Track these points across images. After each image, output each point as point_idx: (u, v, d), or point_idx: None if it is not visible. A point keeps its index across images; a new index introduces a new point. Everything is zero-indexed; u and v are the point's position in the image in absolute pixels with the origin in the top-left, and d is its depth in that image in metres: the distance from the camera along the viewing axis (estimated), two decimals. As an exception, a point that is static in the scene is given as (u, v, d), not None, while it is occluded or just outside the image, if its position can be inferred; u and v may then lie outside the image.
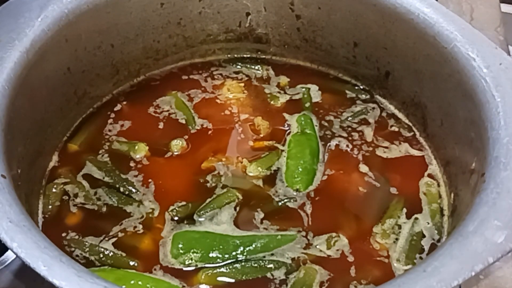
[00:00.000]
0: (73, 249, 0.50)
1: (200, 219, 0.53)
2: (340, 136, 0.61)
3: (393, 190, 0.56)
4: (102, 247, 0.50)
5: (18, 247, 0.37)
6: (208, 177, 0.56)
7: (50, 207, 0.54)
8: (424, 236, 0.52)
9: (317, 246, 0.51)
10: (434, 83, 0.57)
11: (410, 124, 0.62)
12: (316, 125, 0.62)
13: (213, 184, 0.56)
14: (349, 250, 0.51)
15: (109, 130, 0.61)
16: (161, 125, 0.62)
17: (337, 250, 0.51)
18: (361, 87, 0.67)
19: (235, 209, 0.54)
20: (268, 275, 0.49)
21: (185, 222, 0.53)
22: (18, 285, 0.51)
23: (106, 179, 0.56)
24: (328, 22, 0.64)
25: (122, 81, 0.66)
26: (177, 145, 0.59)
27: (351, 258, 0.51)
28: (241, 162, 0.58)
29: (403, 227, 0.53)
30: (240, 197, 0.54)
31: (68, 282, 0.36)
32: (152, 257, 0.50)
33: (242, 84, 0.67)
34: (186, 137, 0.60)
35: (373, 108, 0.64)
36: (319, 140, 0.60)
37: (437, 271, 0.37)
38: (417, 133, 0.62)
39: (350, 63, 0.66)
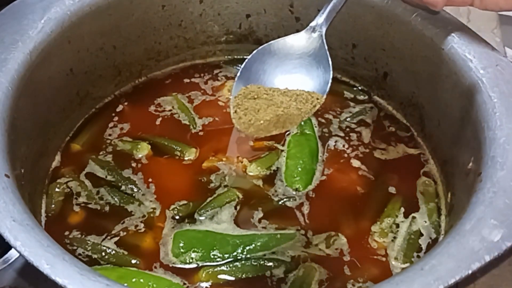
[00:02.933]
0: (75, 247, 0.51)
1: (200, 218, 0.53)
2: (338, 136, 0.62)
3: (391, 190, 0.57)
4: (104, 246, 0.51)
5: (22, 246, 0.38)
6: (212, 177, 0.57)
7: (53, 206, 0.54)
8: (421, 234, 0.53)
9: (317, 245, 0.52)
10: (431, 84, 0.57)
11: (408, 124, 0.63)
12: (315, 126, 0.62)
13: (217, 184, 0.56)
14: (348, 249, 0.52)
15: (112, 130, 0.62)
16: (162, 125, 0.62)
17: (336, 249, 0.52)
18: (360, 88, 0.67)
19: (235, 208, 0.54)
20: (268, 273, 0.50)
21: (186, 221, 0.53)
22: (21, 283, 0.52)
23: (109, 178, 0.57)
24: (327, 24, 0.65)
25: (124, 82, 0.66)
26: (192, 153, 0.59)
27: (349, 257, 0.51)
28: (241, 162, 0.58)
29: (401, 226, 0.54)
30: (241, 196, 0.55)
31: (70, 280, 0.36)
32: (153, 255, 0.51)
33: (242, 85, 0.67)
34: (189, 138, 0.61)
35: (371, 108, 0.65)
36: (318, 140, 0.61)
37: (434, 269, 0.38)
38: (415, 133, 0.62)
39: (348, 64, 0.67)
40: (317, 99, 0.49)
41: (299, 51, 0.52)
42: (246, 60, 0.52)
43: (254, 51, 0.52)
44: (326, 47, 0.51)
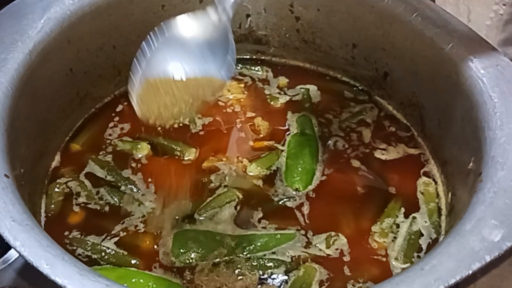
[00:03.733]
0: (75, 247, 0.51)
1: (200, 218, 0.53)
2: (339, 136, 0.62)
3: (391, 190, 0.57)
4: (104, 246, 0.51)
5: (21, 246, 0.38)
6: (212, 177, 0.57)
7: (52, 206, 0.54)
8: (422, 235, 0.53)
9: (317, 245, 0.52)
10: (431, 84, 0.57)
11: (408, 124, 0.63)
12: (315, 126, 0.62)
13: (217, 184, 0.56)
14: (348, 249, 0.52)
15: (112, 130, 0.62)
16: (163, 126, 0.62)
17: (336, 249, 0.52)
18: (360, 87, 0.67)
19: (235, 208, 0.54)
20: (268, 273, 0.50)
21: (186, 221, 0.53)
22: (21, 283, 0.52)
23: (108, 178, 0.57)
24: (327, 23, 0.65)
25: (124, 82, 0.65)
26: (192, 153, 0.59)
27: (349, 257, 0.51)
28: (241, 162, 0.58)
29: (401, 226, 0.53)
30: (240, 196, 0.55)
31: (70, 281, 0.36)
32: (153, 255, 0.50)
33: (242, 85, 0.67)
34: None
35: (372, 108, 0.65)
36: (318, 140, 0.61)
37: (434, 269, 0.38)
38: (415, 133, 0.62)
39: (349, 64, 0.67)
40: (219, 85, 0.45)
41: (201, 32, 0.46)
42: (144, 44, 0.47)
43: (153, 33, 0.47)
44: (231, 29, 0.46)
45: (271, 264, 0.50)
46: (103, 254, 0.50)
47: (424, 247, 0.52)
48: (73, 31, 0.56)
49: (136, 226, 0.53)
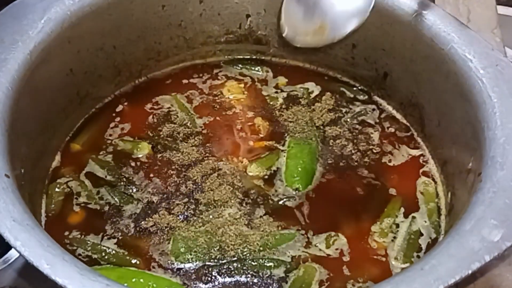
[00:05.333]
0: (75, 247, 0.51)
1: (201, 218, 0.53)
2: (339, 136, 0.62)
3: (391, 190, 0.57)
4: (104, 246, 0.51)
5: (22, 246, 0.38)
6: (212, 177, 0.57)
7: (53, 206, 0.54)
8: (421, 234, 0.53)
9: (317, 245, 0.52)
10: (431, 84, 0.57)
11: (408, 124, 0.63)
12: (315, 126, 0.62)
13: (217, 184, 0.56)
14: (348, 249, 0.52)
15: (112, 130, 0.62)
16: (162, 125, 0.62)
17: (336, 249, 0.52)
18: (360, 88, 0.67)
19: (235, 208, 0.54)
20: (268, 273, 0.50)
21: (186, 221, 0.53)
22: (21, 283, 0.52)
23: (109, 177, 0.57)
24: (327, 24, 0.65)
25: (124, 82, 0.66)
26: (193, 149, 0.59)
27: (349, 257, 0.51)
28: (242, 162, 0.58)
29: (401, 226, 0.54)
30: (241, 196, 0.55)
31: (70, 280, 0.36)
32: (153, 255, 0.50)
33: (242, 85, 0.67)
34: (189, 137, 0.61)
35: (373, 109, 0.65)
36: (318, 140, 0.61)
37: (434, 269, 0.38)
38: (415, 133, 0.62)
39: (348, 64, 0.67)
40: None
41: None
42: None
43: None
44: None
45: (271, 264, 0.50)
46: (103, 254, 0.50)
47: (423, 247, 0.52)
48: (74, 31, 0.56)
49: (137, 226, 0.53)
